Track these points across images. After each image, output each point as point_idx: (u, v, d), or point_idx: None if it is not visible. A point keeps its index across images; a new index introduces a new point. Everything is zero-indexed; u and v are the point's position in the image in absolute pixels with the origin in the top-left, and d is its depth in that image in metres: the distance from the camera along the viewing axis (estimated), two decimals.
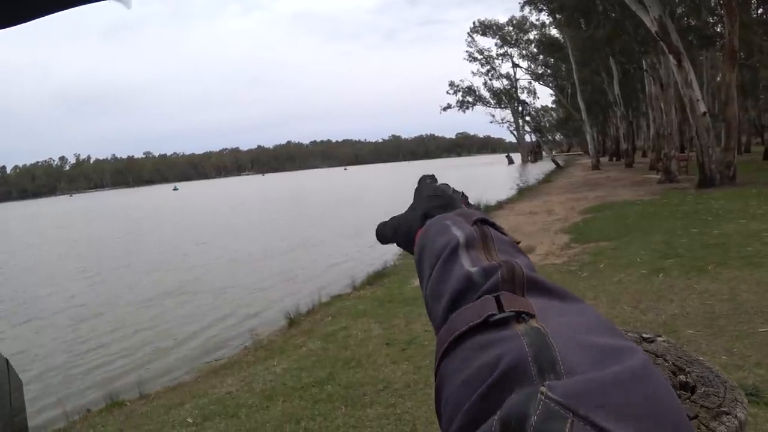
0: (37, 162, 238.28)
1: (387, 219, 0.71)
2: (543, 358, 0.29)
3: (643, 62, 22.41)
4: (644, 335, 1.02)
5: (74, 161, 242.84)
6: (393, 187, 38.94)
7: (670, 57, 15.20)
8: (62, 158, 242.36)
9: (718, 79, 28.36)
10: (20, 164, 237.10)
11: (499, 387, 0.29)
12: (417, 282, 0.57)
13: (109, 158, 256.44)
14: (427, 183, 0.69)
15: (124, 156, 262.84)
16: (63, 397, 5.84)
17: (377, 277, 8.77)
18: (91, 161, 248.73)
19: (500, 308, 0.35)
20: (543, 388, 0.26)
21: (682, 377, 0.86)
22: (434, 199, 0.64)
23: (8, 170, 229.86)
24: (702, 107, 15.09)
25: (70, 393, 6.01)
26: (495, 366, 0.30)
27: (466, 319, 0.37)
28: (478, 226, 0.49)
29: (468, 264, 0.43)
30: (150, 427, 4.23)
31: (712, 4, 20.02)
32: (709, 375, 0.85)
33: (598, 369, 0.28)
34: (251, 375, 5.04)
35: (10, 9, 0.57)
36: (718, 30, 20.00)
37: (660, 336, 1.02)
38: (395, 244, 0.69)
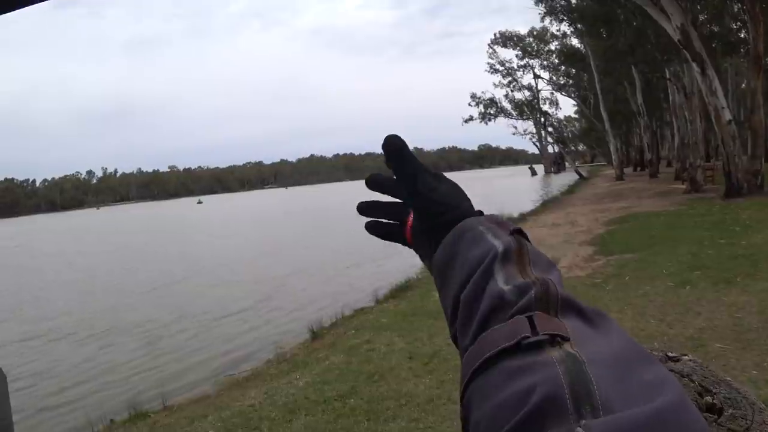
0: (65, 175, 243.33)
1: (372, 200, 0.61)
2: (580, 390, 0.28)
3: (666, 71, 22.12)
4: (669, 354, 1.00)
5: (101, 175, 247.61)
6: None
7: (694, 65, 14.99)
8: (89, 172, 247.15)
9: (743, 86, 27.93)
10: (49, 178, 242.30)
11: (532, 420, 0.28)
12: None
13: (135, 172, 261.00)
14: (427, 181, 0.54)
15: (150, 170, 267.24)
16: (88, 405, 5.94)
17: (400, 291, 8.75)
18: (118, 175, 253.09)
19: (533, 330, 0.34)
20: (580, 430, 0.25)
21: (708, 398, 0.84)
22: (440, 215, 0.53)
23: (37, 183, 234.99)
24: (727, 115, 14.84)
25: (94, 402, 6.11)
26: (528, 396, 0.29)
27: (497, 340, 0.35)
28: (515, 238, 0.45)
29: (501, 280, 0.41)
30: None
31: (736, 10, 19.69)
32: (736, 396, 0.83)
33: (635, 404, 0.27)
34: (274, 388, 5.06)
35: None
36: (742, 36, 19.70)
37: (686, 354, 1.00)
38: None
